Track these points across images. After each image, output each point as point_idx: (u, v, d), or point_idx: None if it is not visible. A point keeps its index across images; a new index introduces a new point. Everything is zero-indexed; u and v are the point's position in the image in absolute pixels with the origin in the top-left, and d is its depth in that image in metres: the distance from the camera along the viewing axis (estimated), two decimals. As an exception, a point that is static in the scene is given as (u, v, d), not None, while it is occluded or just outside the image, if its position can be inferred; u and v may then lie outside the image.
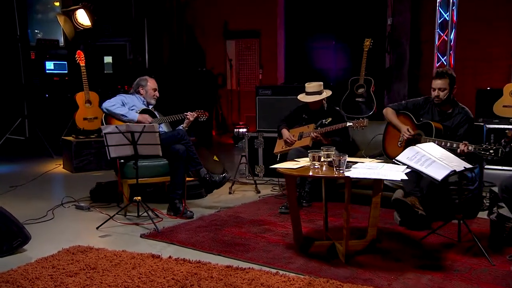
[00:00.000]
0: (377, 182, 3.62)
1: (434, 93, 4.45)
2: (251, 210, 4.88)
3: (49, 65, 9.27)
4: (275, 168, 3.70)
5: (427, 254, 3.59)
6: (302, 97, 5.15)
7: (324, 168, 3.51)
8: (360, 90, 6.78)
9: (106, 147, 4.34)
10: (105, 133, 4.29)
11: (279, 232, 4.15)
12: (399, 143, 4.74)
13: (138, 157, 4.42)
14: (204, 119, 5.18)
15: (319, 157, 3.54)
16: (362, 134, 5.21)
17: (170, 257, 3.54)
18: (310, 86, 5.09)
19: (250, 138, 6.23)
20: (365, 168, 3.40)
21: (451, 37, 7.10)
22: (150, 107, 5.12)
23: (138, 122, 4.85)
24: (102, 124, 4.80)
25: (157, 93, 5.14)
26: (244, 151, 6.20)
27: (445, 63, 7.24)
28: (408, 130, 4.60)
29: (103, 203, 5.16)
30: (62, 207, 5.06)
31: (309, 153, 3.58)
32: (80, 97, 7.14)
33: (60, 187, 6.31)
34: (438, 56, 7.31)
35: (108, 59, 10.28)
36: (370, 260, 3.47)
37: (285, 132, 5.25)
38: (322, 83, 5.11)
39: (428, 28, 8.79)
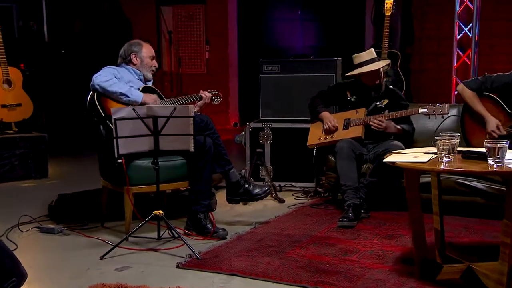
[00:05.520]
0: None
1: None
2: (296, 224, 4.40)
3: None
4: (393, 162, 3.25)
5: None
6: (361, 69, 4.64)
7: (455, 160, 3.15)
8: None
9: (115, 140, 3.66)
10: (115, 119, 3.60)
11: (366, 253, 3.72)
12: (488, 135, 4.48)
13: (158, 154, 3.80)
14: (218, 102, 4.65)
15: (452, 146, 3.16)
16: (420, 120, 4.89)
17: (256, 294, 3.00)
18: (362, 54, 4.70)
19: (252, 130, 5.70)
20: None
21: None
22: (150, 83, 4.48)
23: (142, 104, 4.22)
24: (90, 106, 4.16)
25: (155, 63, 4.52)
26: (246, 147, 5.67)
27: (470, 34, 7.16)
28: (497, 128, 4.33)
29: (75, 223, 4.43)
30: (18, 231, 4.27)
31: (436, 139, 3.18)
32: (-7, 75, 6.22)
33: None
34: (460, 25, 7.20)
35: (-18, 27, 9.28)
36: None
37: (326, 116, 4.79)
38: (372, 49, 4.76)
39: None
